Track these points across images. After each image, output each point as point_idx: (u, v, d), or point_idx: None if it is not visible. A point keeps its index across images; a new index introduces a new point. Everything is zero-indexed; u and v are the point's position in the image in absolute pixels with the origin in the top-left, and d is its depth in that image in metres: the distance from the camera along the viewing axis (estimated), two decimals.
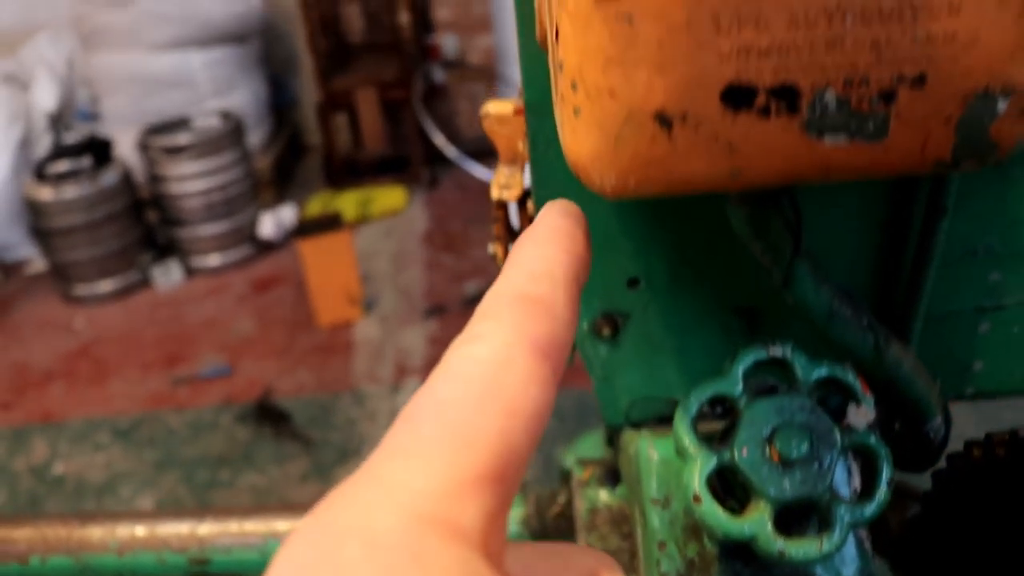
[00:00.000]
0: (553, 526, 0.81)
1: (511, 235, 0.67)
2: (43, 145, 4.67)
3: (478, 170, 4.91)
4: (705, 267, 0.55)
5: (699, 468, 0.45)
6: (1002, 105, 0.32)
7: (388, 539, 0.21)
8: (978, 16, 0.30)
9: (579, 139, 0.33)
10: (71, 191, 3.98)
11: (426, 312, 3.71)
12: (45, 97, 4.77)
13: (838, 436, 0.45)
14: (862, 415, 0.47)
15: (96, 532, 0.87)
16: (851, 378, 0.47)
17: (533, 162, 0.52)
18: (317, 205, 4.78)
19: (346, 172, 5.08)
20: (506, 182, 0.59)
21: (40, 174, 4.06)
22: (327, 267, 3.52)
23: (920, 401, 0.57)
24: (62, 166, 4.03)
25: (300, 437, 3.03)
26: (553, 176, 0.52)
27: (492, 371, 0.26)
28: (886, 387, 0.56)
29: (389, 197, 4.85)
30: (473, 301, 3.71)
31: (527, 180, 0.59)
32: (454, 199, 4.89)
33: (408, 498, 0.23)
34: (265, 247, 4.47)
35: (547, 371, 0.27)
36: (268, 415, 3.16)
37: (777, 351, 0.47)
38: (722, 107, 0.31)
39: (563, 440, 1.75)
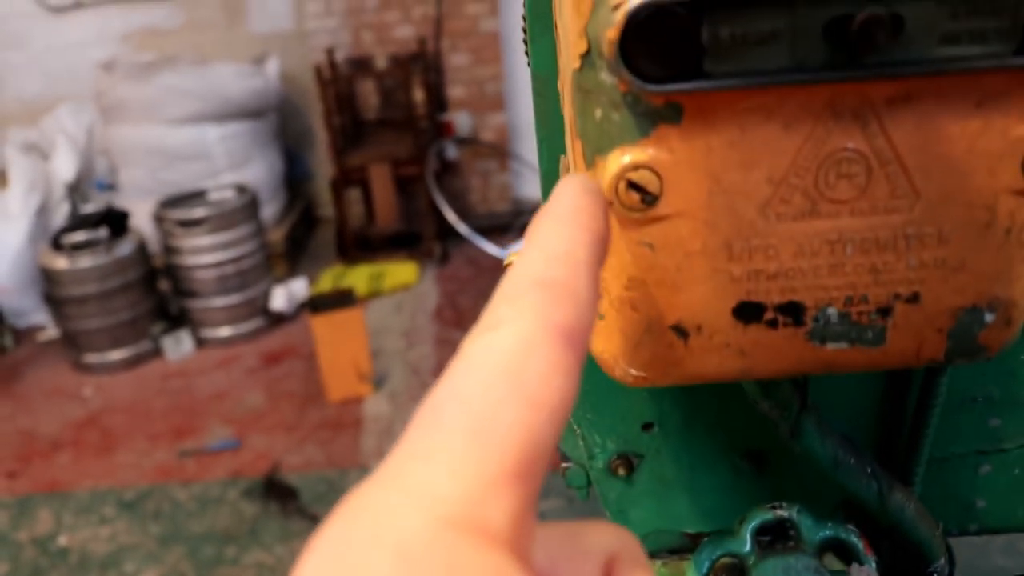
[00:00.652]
0: None
1: None
2: (60, 214, 4.76)
3: (489, 246, 4.97)
4: (716, 413, 0.58)
5: None
6: (989, 317, 0.35)
7: (418, 547, 0.20)
8: (964, 244, 0.33)
9: (602, 339, 0.36)
10: (86, 261, 4.03)
11: None
12: (64, 167, 4.87)
13: None
14: (864, 574, 0.49)
15: None
16: (854, 539, 0.50)
17: None
18: (329, 279, 4.83)
19: (358, 246, 5.14)
20: None
21: (56, 243, 4.12)
22: (338, 343, 3.55)
23: (923, 544, 0.60)
24: (78, 236, 4.09)
25: (307, 514, 3.02)
26: None
27: (514, 361, 0.24)
28: (890, 530, 0.59)
29: (400, 272, 4.90)
30: None
31: None
32: (465, 275, 4.94)
33: (434, 502, 0.21)
34: (276, 320, 4.51)
35: (571, 359, 0.25)
36: (275, 491, 3.16)
37: (783, 513, 0.50)
38: (733, 320, 0.34)
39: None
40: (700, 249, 0.32)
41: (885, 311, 0.34)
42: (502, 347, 0.24)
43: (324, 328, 3.51)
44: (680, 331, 0.34)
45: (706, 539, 0.50)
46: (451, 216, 5.03)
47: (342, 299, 3.61)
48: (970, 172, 0.32)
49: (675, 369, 0.35)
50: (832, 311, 0.34)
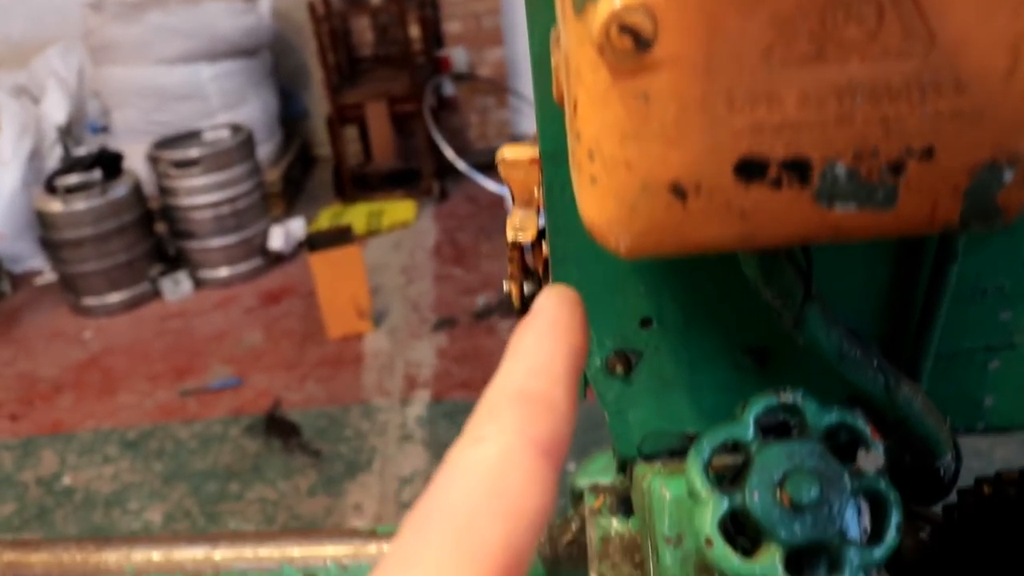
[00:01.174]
0: (566, 554, 0.82)
1: (526, 274, 0.68)
2: (53, 158, 4.71)
3: (488, 183, 4.93)
4: (717, 308, 0.56)
5: (711, 512, 0.46)
6: (1008, 175, 0.33)
7: None
8: (983, 93, 0.31)
9: (595, 205, 0.34)
10: (81, 203, 4.00)
11: (435, 325, 3.72)
12: (55, 110, 4.81)
13: (848, 481, 0.46)
14: (871, 460, 0.48)
15: (112, 556, 0.88)
16: (860, 424, 0.48)
17: (548, 208, 0.53)
18: (327, 218, 4.80)
19: (356, 185, 5.11)
20: (521, 224, 0.60)
21: (50, 186, 4.08)
22: (337, 280, 3.54)
23: (930, 438, 0.58)
24: (72, 179, 4.05)
25: (309, 450, 3.04)
26: (568, 222, 0.53)
27: (495, 474, 0.27)
28: (897, 425, 0.57)
29: (399, 210, 4.87)
30: (483, 314, 3.73)
31: (541, 222, 0.60)
32: (464, 211, 4.91)
33: None
34: (274, 260, 4.49)
35: (548, 470, 0.28)
36: (277, 427, 3.18)
37: (788, 398, 0.48)
38: (735, 179, 0.32)
39: (574, 453, 1.76)
40: (699, 98, 0.30)
41: (897, 168, 0.32)
42: (484, 461, 0.27)
43: (322, 265, 3.49)
44: (678, 191, 0.32)
45: (707, 428, 0.48)
46: (449, 153, 4.98)
47: (340, 236, 3.59)
48: (991, 12, 0.30)
49: (672, 236, 0.33)
50: (840, 168, 0.32)
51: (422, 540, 0.25)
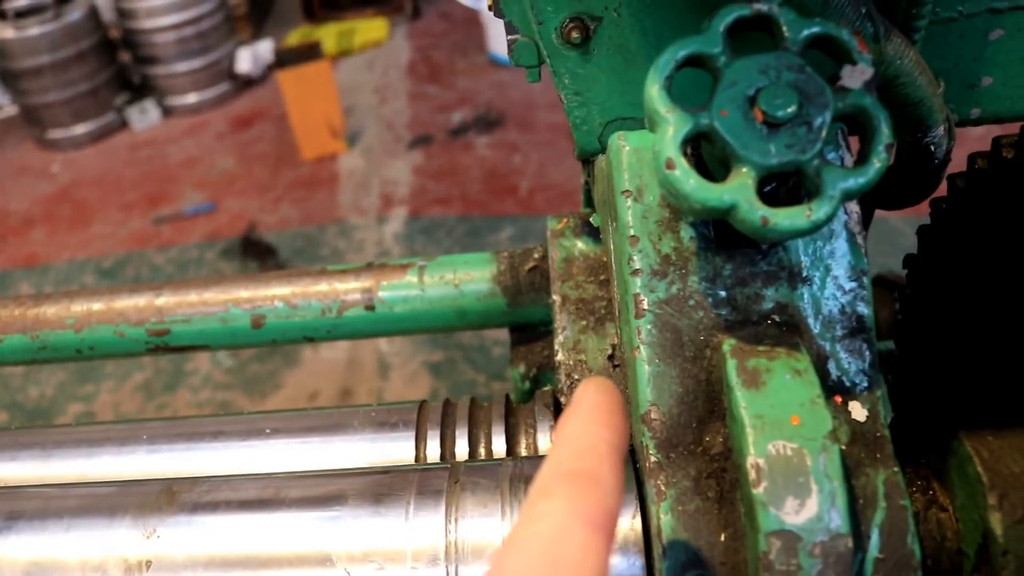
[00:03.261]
0: (527, 282, 0.76)
1: None
2: None
3: None
4: None
5: (672, 131, 0.39)
6: None
7: None
8: None
9: None
10: (34, 28, 3.82)
11: (411, 143, 3.62)
12: None
13: (830, 96, 0.40)
14: (858, 75, 0.41)
15: (51, 309, 0.83)
16: (846, 35, 0.41)
17: None
18: (296, 39, 4.61)
19: (325, 5, 4.90)
20: None
21: None
22: (308, 99, 3.41)
23: (922, 103, 0.51)
24: (22, 1, 3.84)
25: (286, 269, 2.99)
26: None
27: (552, 546, 0.30)
28: (886, 88, 0.50)
29: (370, 29, 4.69)
30: (459, 131, 3.63)
31: None
32: (438, 29, 4.72)
33: None
34: (244, 84, 4.34)
35: (601, 540, 0.30)
36: (253, 249, 3.12)
37: (762, 6, 0.41)
38: None
39: None
40: None
41: None
42: (542, 535, 0.30)
43: (292, 83, 3.36)
44: None
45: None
46: None
47: (309, 52, 3.45)
48: None
49: None
50: None
51: None
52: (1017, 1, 0.55)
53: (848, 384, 0.45)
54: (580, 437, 0.34)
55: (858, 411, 0.45)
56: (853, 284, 0.47)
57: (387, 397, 2.34)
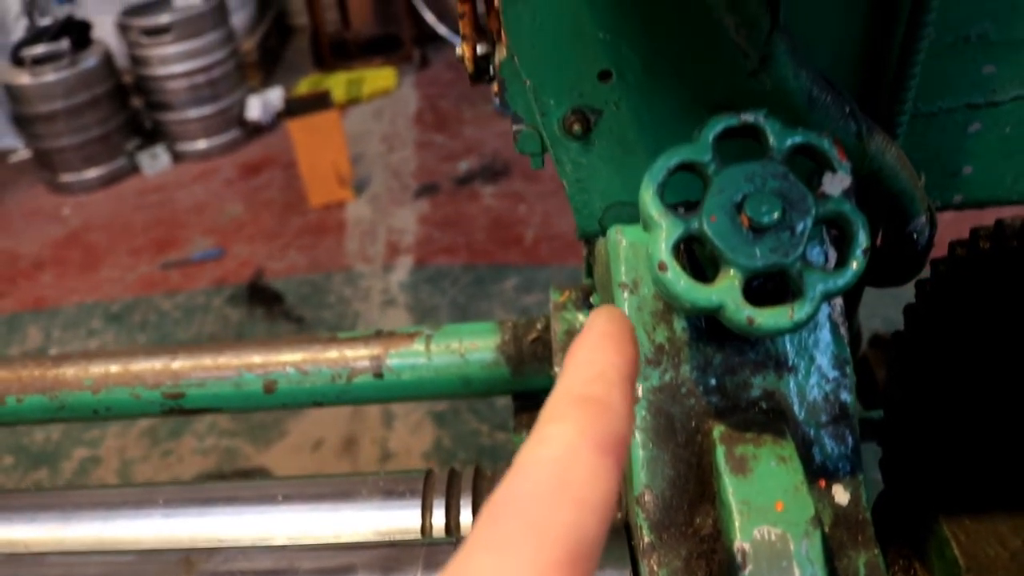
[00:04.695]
0: (530, 351, 0.79)
1: (479, 35, 0.64)
2: (19, 31, 4.55)
3: None
4: (679, 58, 0.52)
5: (665, 235, 0.43)
6: None
7: None
8: None
9: None
10: (50, 75, 3.89)
11: (417, 191, 3.67)
12: None
13: (812, 203, 0.43)
14: (838, 182, 0.44)
15: (70, 371, 0.85)
16: (827, 145, 0.45)
17: None
18: (306, 87, 4.68)
19: (334, 53, 4.97)
20: None
21: (17, 58, 3.96)
22: (317, 147, 3.46)
23: (904, 195, 0.55)
24: (39, 49, 3.92)
25: (292, 316, 3.02)
26: None
27: (560, 469, 0.29)
28: (869, 182, 0.53)
29: (379, 78, 4.76)
30: (465, 180, 3.68)
31: None
32: (446, 78, 4.79)
33: None
34: (253, 131, 4.40)
35: (610, 464, 0.30)
36: (260, 296, 3.15)
37: (749, 117, 0.45)
38: None
39: None
40: None
41: None
42: (550, 458, 0.29)
43: (302, 131, 3.42)
44: None
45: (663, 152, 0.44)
46: (430, 17, 4.84)
47: (318, 101, 3.51)
48: None
49: None
50: None
51: (497, 528, 0.27)
52: (992, 97, 0.58)
53: (831, 468, 0.48)
54: (590, 363, 0.34)
55: (841, 495, 0.47)
56: (836, 373, 0.49)
57: (391, 447, 2.36)
